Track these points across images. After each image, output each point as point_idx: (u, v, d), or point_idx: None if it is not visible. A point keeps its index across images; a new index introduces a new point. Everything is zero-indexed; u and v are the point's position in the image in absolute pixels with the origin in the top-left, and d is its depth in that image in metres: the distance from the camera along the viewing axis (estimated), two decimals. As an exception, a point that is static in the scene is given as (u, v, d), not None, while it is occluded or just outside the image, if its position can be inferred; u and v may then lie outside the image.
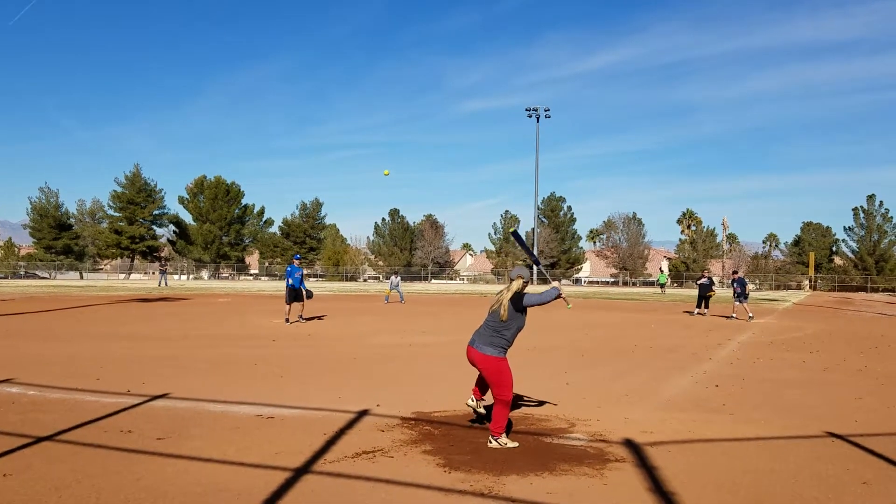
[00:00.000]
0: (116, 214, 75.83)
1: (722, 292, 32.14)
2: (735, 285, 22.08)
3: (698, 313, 22.95)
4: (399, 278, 31.36)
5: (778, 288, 71.77)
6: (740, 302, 21.70)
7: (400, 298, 29.27)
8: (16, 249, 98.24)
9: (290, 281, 17.61)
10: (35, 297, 29.19)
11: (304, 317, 17.98)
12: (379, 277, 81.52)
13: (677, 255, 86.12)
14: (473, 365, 5.90)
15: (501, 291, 5.89)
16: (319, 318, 19.17)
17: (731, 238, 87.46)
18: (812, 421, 6.88)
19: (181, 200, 79.26)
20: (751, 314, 21.34)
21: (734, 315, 21.96)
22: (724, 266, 76.32)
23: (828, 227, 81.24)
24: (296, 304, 17.74)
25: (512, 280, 5.88)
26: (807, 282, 72.38)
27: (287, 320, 17.35)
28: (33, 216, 74.31)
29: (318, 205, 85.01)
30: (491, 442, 5.65)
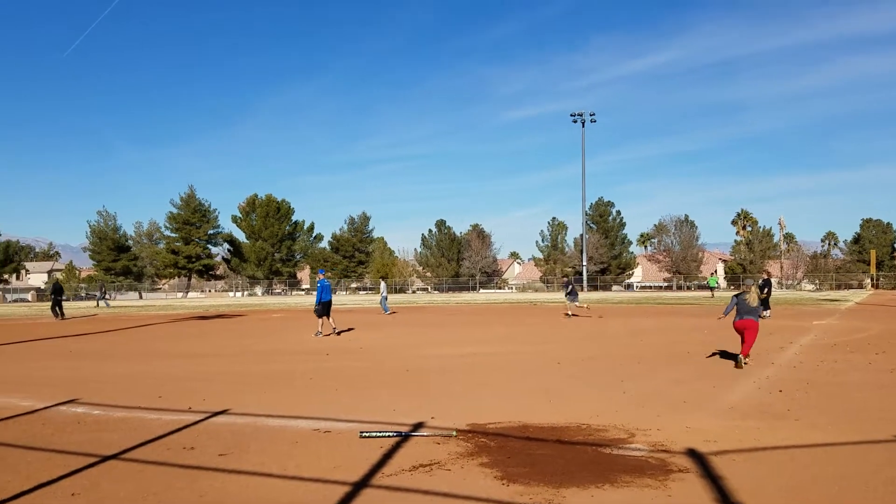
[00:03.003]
0: (173, 235, 78.13)
1: (780, 293, 31.19)
2: (566, 287, 25.77)
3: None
4: (384, 285, 31.28)
5: (839, 287, 69.45)
6: (570, 301, 24.71)
7: (383, 309, 28.99)
8: (77, 272, 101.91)
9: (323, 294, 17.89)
10: (96, 318, 30.17)
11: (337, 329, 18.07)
12: (427, 289, 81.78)
13: (733, 257, 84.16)
14: (744, 328, 10.93)
15: (744, 292, 11.22)
16: (371, 331, 19.30)
17: (789, 238, 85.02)
18: (882, 424, 6.63)
19: (234, 219, 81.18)
20: (570, 313, 24.59)
21: (569, 313, 24.68)
22: (782, 267, 74.22)
23: (888, 224, 78.69)
24: (327, 318, 17.85)
25: (752, 286, 11.37)
26: (868, 280, 69.88)
27: (336, 331, 17.65)
28: (92, 239, 76.98)
29: (365, 218, 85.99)
30: (745, 363, 10.89)
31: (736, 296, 11.35)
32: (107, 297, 46.96)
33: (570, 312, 24.65)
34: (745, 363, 10.85)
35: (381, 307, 29.33)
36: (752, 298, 11.03)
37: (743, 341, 10.97)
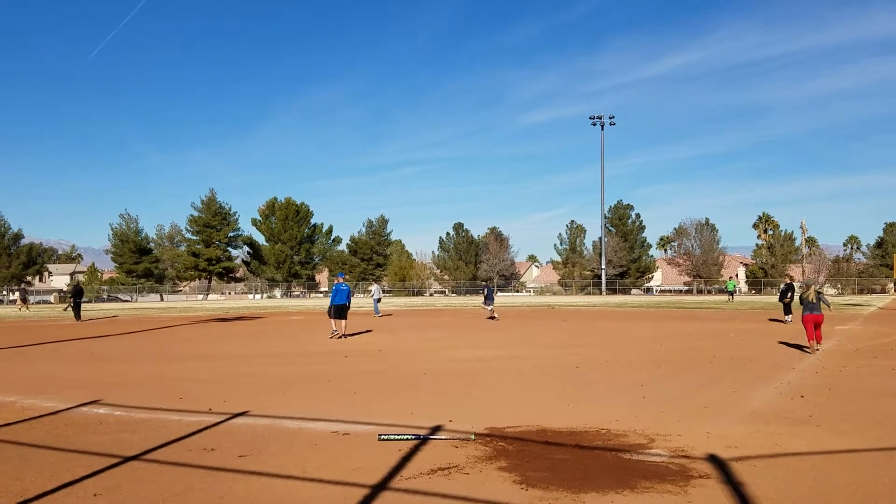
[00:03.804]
0: (194, 238, 78.85)
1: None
2: (484, 291, 27.51)
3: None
4: (377, 287, 31.64)
5: (861, 292, 68.53)
6: (487, 305, 26.35)
7: (375, 311, 29.41)
8: (99, 274, 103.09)
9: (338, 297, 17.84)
10: (117, 319, 30.50)
11: (346, 333, 18.00)
12: (445, 291, 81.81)
13: (754, 261, 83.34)
14: (815, 322, 13.30)
15: (804, 292, 13.66)
16: (388, 334, 19.33)
17: (811, 241, 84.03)
18: (909, 433, 6.51)
19: (254, 222, 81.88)
20: (494, 316, 25.73)
21: (494, 316, 25.81)
22: (803, 271, 73.35)
23: (913, 227, 77.30)
24: (342, 321, 17.80)
25: (811, 286, 13.75)
26: (891, 285, 68.84)
27: (338, 335, 17.56)
28: (115, 242, 77.85)
29: (384, 221, 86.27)
30: (817, 349, 13.28)
31: (800, 297, 13.92)
32: (25, 300, 45.04)
33: (494, 316, 25.80)
34: (816, 349, 13.25)
35: (374, 309, 29.74)
36: (811, 295, 13.43)
37: (809, 334, 13.45)
